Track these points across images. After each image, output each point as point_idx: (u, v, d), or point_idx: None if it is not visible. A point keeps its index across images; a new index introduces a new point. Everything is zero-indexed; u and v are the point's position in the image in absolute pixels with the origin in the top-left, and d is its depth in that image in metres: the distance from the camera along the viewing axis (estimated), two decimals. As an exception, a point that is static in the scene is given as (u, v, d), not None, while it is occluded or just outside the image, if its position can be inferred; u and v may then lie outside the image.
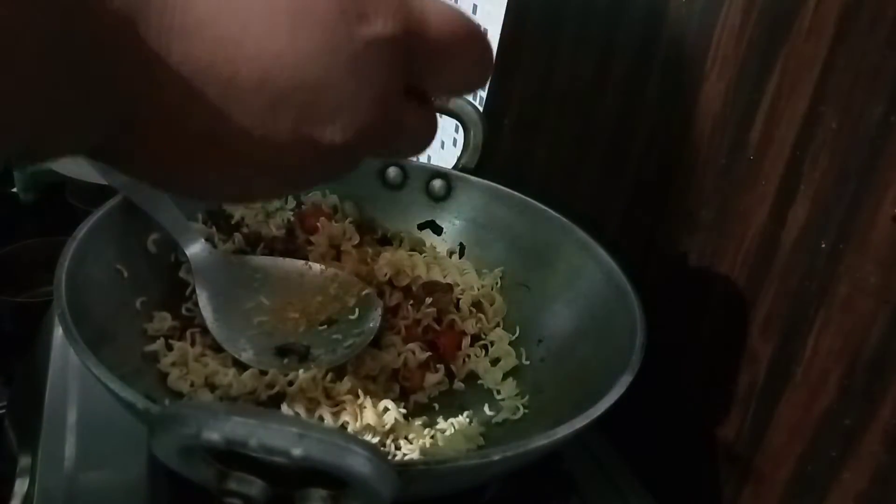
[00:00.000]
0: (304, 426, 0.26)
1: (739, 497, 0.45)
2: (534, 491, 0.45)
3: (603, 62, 0.55)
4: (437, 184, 0.61)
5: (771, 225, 0.41)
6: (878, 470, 0.36)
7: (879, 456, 0.36)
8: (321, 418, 0.44)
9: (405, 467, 0.33)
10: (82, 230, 0.44)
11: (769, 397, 0.42)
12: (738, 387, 0.44)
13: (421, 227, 0.61)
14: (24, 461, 0.46)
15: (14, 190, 1.04)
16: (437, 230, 0.61)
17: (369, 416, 0.44)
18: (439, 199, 0.61)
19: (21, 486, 0.45)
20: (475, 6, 0.76)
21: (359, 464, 0.26)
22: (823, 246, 0.38)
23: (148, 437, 0.28)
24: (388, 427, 0.45)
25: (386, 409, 0.45)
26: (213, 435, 0.26)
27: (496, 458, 0.34)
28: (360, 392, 0.46)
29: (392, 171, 0.61)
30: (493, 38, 0.71)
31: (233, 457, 0.28)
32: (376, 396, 0.46)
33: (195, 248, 0.50)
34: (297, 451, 0.26)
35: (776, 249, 0.41)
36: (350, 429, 0.44)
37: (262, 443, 0.26)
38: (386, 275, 0.54)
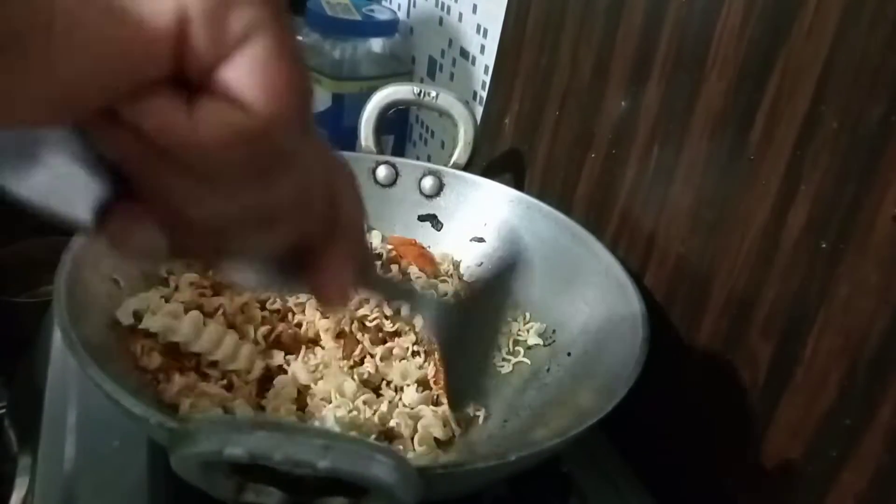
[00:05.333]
0: (329, 438, 0.26)
1: (739, 497, 0.45)
2: (534, 491, 0.45)
3: (603, 62, 0.55)
4: (429, 181, 0.61)
5: (771, 225, 0.41)
6: (878, 470, 0.36)
7: (879, 456, 0.36)
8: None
9: (425, 471, 0.33)
10: (77, 242, 0.43)
11: (769, 397, 0.42)
12: (738, 387, 0.44)
13: (421, 218, 0.61)
14: (24, 461, 0.46)
15: (14, 190, 1.03)
16: (438, 225, 0.61)
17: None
18: (431, 196, 0.61)
19: (21, 485, 0.45)
20: (475, 6, 0.76)
21: (384, 472, 0.26)
22: (823, 246, 0.38)
23: (168, 452, 0.27)
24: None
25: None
26: (237, 450, 0.25)
27: (512, 458, 0.35)
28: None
29: (383, 170, 0.61)
30: (494, 38, 0.71)
31: (251, 468, 0.27)
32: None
33: None
34: (323, 464, 0.26)
35: (776, 249, 0.41)
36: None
37: (287, 456, 0.25)
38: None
